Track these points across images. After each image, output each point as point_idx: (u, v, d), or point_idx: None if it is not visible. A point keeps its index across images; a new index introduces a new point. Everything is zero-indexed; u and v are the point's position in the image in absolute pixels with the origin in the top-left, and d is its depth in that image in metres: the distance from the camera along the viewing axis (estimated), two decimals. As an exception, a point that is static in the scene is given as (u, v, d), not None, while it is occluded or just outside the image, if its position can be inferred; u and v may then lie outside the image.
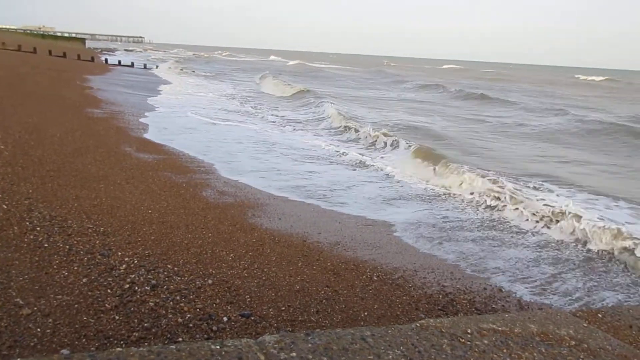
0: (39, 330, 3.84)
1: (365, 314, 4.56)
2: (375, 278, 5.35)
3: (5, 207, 6.05)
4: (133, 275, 4.79)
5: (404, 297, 5.02)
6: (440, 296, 5.15)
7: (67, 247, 5.19)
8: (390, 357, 3.00)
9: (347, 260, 5.80)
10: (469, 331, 3.41)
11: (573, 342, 2.69)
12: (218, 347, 2.84)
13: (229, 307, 4.47)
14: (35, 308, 4.09)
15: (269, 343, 2.98)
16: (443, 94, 35.15)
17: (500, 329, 2.88)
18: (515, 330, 2.82)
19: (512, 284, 5.58)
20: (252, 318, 4.34)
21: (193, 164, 9.85)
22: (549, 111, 25.21)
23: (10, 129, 10.34)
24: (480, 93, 32.77)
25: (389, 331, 3.32)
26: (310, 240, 6.35)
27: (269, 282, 4.99)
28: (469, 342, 3.29)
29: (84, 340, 3.79)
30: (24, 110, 12.66)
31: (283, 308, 4.55)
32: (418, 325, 3.62)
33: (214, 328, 4.16)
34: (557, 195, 8.94)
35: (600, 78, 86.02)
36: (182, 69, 39.51)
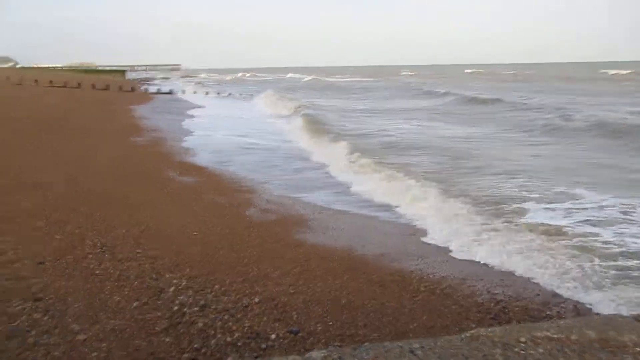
0: (94, 354, 3.94)
1: (414, 325, 4.48)
2: (422, 288, 5.26)
3: (58, 237, 6.29)
4: (181, 297, 4.87)
5: (454, 307, 4.90)
6: (492, 304, 5.00)
7: (118, 272, 5.33)
8: (441, 369, 2.93)
9: (392, 272, 5.73)
10: (522, 340, 3.29)
11: (638, 349, 2.55)
12: (266, 365, 2.83)
13: (276, 325, 4.47)
14: (90, 333, 4.21)
15: (316, 359, 2.96)
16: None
17: (555, 336, 2.76)
18: (572, 338, 2.70)
19: (568, 290, 5.36)
20: (300, 334, 4.33)
21: (234, 184, 10.00)
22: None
23: (61, 163, 10.79)
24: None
25: (438, 342, 3.24)
26: (355, 253, 6.32)
27: (316, 298, 4.97)
28: (522, 352, 3.17)
29: (137, 363, 3.86)
30: (72, 144, 13.20)
31: (330, 323, 4.52)
32: (469, 335, 3.52)
33: (263, 346, 4.17)
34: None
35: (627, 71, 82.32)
36: (217, 93, 40.39)
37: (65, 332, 4.21)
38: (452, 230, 7.10)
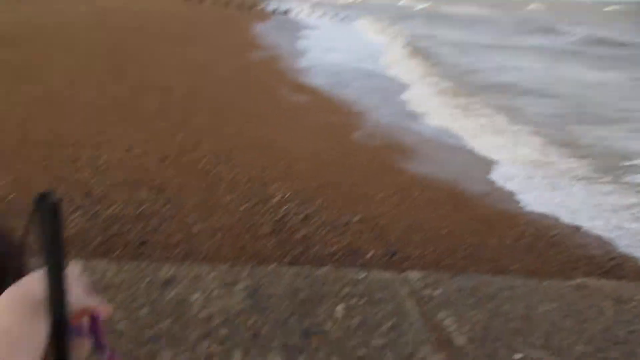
0: (206, 246, 4.29)
1: (516, 266, 4.36)
2: (528, 232, 5.06)
3: (179, 138, 6.75)
4: (286, 206, 5.10)
5: (560, 256, 4.69)
6: (605, 259, 4.72)
7: (231, 176, 5.66)
8: (543, 309, 2.86)
9: (497, 212, 5.56)
10: (637, 297, 3.10)
11: None
12: (363, 275, 2.93)
13: (375, 244, 4.56)
14: (203, 227, 4.57)
15: (414, 279, 3.01)
16: None
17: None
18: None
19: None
20: (397, 256, 4.40)
21: (343, 106, 10.01)
22: None
23: (183, 71, 11.38)
24: None
25: (543, 284, 3.15)
26: (461, 188, 6.17)
27: (416, 224, 4.98)
28: (635, 309, 3.00)
29: (243, 258, 4.16)
30: (193, 56, 13.80)
31: (428, 250, 4.54)
32: (576, 283, 3.38)
33: (359, 262, 4.29)
34: None
35: None
36: (333, 15, 39.66)
37: (182, 222, 4.61)
38: (560, 184, 6.70)
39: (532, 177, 6.95)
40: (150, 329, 2.34)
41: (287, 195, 5.34)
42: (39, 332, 0.62)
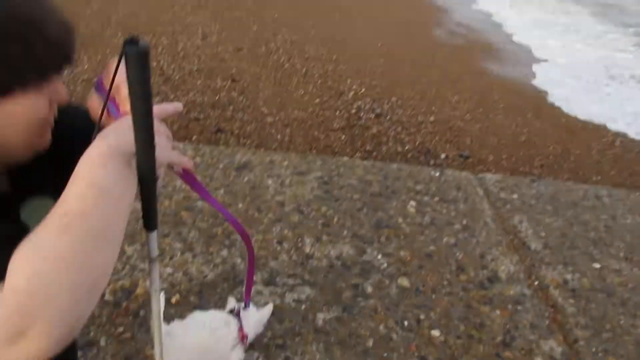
0: (279, 136, 4.32)
1: (599, 178, 4.13)
2: (617, 143, 4.74)
3: (255, 28, 6.63)
4: (360, 102, 4.99)
5: (649, 170, 4.39)
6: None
7: (304, 69, 5.56)
8: (627, 221, 2.71)
9: (584, 120, 5.20)
10: None
11: None
12: (438, 174, 2.86)
13: (447, 146, 4.43)
14: (276, 118, 4.58)
15: (490, 181, 2.91)
16: None
17: None
18: None
19: None
20: (470, 160, 4.27)
21: (425, 2, 9.41)
22: None
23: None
24: None
25: (631, 196, 2.97)
26: (543, 94, 5.79)
27: (492, 129, 4.77)
28: None
29: (314, 151, 4.17)
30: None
31: (504, 156, 4.36)
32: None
33: (431, 162, 4.20)
34: None
35: None
36: None
37: (256, 112, 4.63)
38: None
39: (622, 86, 6.39)
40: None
41: (361, 92, 5.22)
42: (133, 186, 0.61)
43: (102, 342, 1.77)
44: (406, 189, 2.73)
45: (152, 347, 1.79)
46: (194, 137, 4.07)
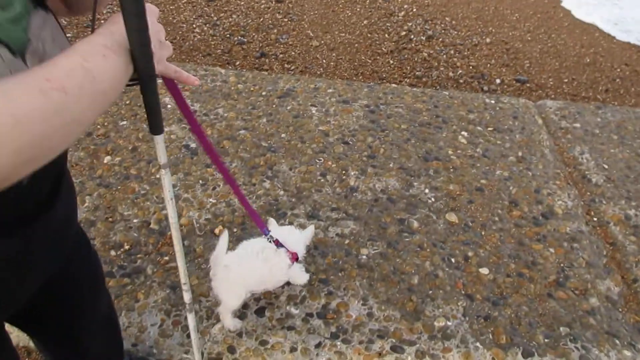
0: (324, 61, 4.15)
1: (671, 104, 3.80)
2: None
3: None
4: (410, 24, 4.70)
5: None
6: None
7: (352, -12, 5.25)
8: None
9: (659, 40, 4.73)
10: None
11: None
12: (493, 101, 2.68)
13: (504, 70, 4.15)
14: (322, 42, 4.39)
15: (550, 108, 2.70)
16: None
17: None
18: None
19: None
20: (528, 85, 3.99)
21: None
22: None
23: None
24: None
25: None
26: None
27: (555, 50, 4.42)
28: None
29: (360, 77, 4.00)
30: None
31: (566, 80, 4.06)
32: None
33: (485, 88, 3.96)
34: None
35: None
36: None
37: (301, 35, 4.44)
38: None
39: None
40: (269, 139, 2.36)
41: (412, 11, 4.90)
42: (119, 88, 0.64)
43: (149, 271, 1.79)
44: (458, 117, 2.57)
45: (197, 278, 1.81)
46: (237, 63, 3.97)
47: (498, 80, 4.04)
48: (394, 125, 2.49)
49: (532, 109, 2.69)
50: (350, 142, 2.38)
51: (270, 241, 1.54)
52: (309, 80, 2.79)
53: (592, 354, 1.68)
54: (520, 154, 2.38)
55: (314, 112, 2.53)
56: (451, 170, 2.28)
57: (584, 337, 1.72)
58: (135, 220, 1.94)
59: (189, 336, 1.63)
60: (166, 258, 1.83)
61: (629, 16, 5.19)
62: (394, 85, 2.99)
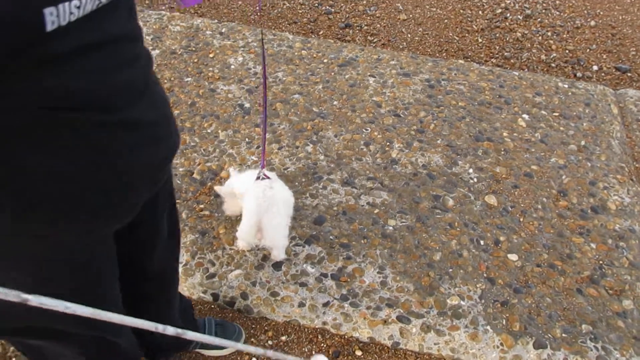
0: (409, 35, 4.08)
1: None
2: None
3: None
4: (509, 1, 4.45)
5: None
6: None
7: (453, -39, 5.06)
8: None
9: None
10: None
11: None
12: (566, 85, 2.52)
13: (604, 56, 3.83)
14: (410, 15, 4.31)
15: (632, 98, 2.49)
16: None
17: None
18: None
19: None
20: (629, 74, 3.65)
21: None
22: None
23: None
24: None
25: None
26: None
27: (670, 38, 3.98)
28: None
29: (444, 54, 3.89)
30: None
31: (676, 72, 3.66)
32: None
33: (578, 74, 3.69)
34: None
35: None
36: None
37: (390, 8, 4.39)
38: None
39: None
40: (321, 105, 2.41)
41: (512, -12, 4.63)
42: None
43: (184, 215, 1.94)
44: (522, 99, 2.45)
45: (225, 227, 1.92)
46: (321, 32, 4.02)
47: (595, 67, 3.74)
48: (451, 102, 2.43)
49: (609, 97, 2.48)
50: (402, 115, 2.36)
51: (261, 177, 1.63)
52: (373, 51, 2.79)
53: (612, 357, 1.58)
54: (583, 143, 2.23)
55: (371, 82, 2.53)
56: (502, 152, 2.20)
57: (607, 338, 1.62)
58: (180, 169, 2.09)
59: (208, 277, 1.76)
60: (201, 206, 1.97)
61: None
62: (461, 61, 2.89)
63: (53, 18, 0.55)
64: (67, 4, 0.57)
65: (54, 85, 0.61)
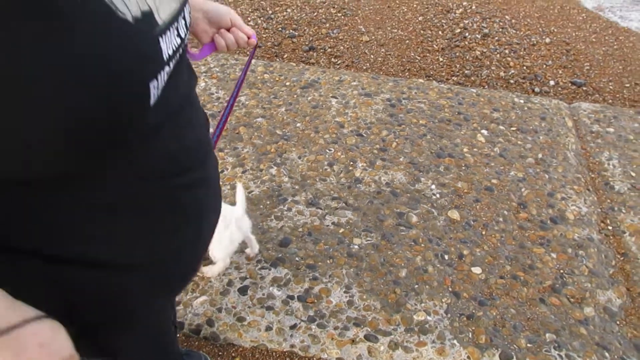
0: (372, 56, 4.16)
1: None
2: None
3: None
4: (467, 21, 4.59)
5: None
6: None
7: (412, -16, 5.20)
8: None
9: None
10: None
11: None
12: (522, 101, 2.59)
13: (560, 72, 3.96)
14: (373, 37, 4.39)
15: (584, 111, 2.57)
16: None
17: None
18: None
19: None
20: (585, 88, 3.78)
21: None
22: None
23: None
24: None
25: None
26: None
27: (620, 53, 4.15)
28: None
29: (406, 73, 3.97)
30: None
31: (627, 85, 3.80)
32: None
33: (537, 90, 3.80)
34: None
35: None
36: None
37: (352, 30, 4.48)
38: None
39: None
40: (284, 127, 2.42)
41: (471, 8, 4.78)
42: None
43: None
44: (480, 116, 2.51)
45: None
46: (285, 56, 4.07)
47: (552, 82, 3.86)
48: (412, 120, 2.48)
49: (563, 110, 2.57)
50: (364, 135, 2.39)
51: None
52: (334, 73, 2.83)
53: (576, 365, 1.60)
54: (540, 155, 2.29)
55: (333, 103, 2.57)
56: (463, 167, 2.24)
57: (570, 346, 1.64)
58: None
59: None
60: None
61: None
62: (420, 80, 2.95)
63: (155, 90, 0.56)
64: (162, 72, 0.57)
65: (151, 154, 0.62)
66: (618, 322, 1.72)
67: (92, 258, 0.63)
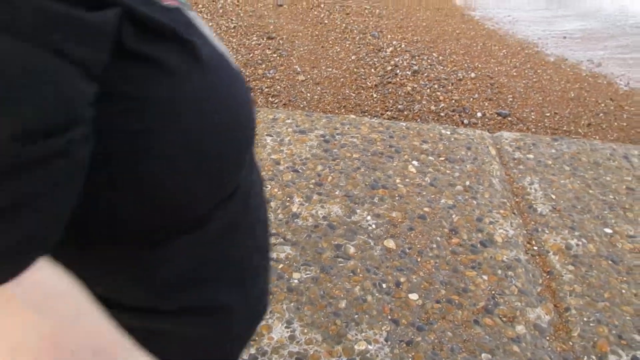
0: (308, 95, 4.27)
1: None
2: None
3: (299, -16, 6.49)
4: (397, 59, 4.80)
5: None
6: None
7: (344, 25, 5.41)
8: (656, 183, 2.46)
9: (647, 75, 4.73)
10: None
11: None
12: (449, 132, 2.72)
13: (486, 104, 4.20)
14: (308, 76, 4.52)
15: (506, 139, 2.73)
16: None
17: None
18: None
19: None
20: (509, 119, 4.02)
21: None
22: None
23: None
24: None
25: (666, 156, 2.68)
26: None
27: (539, 85, 4.45)
28: None
29: (342, 110, 4.09)
30: None
31: (548, 114, 4.07)
32: None
33: (465, 121, 4.00)
34: None
35: None
36: None
37: (288, 70, 4.59)
38: None
39: None
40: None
41: (400, 47, 5.02)
42: None
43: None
44: (411, 147, 2.62)
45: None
46: (222, 96, 4.10)
47: (479, 114, 4.08)
48: (346, 155, 2.55)
49: (487, 139, 2.72)
50: (300, 170, 2.44)
51: None
52: (268, 111, 2.88)
53: (511, 382, 1.66)
54: (468, 183, 2.41)
55: (268, 141, 2.61)
56: (396, 198, 2.32)
57: (504, 365, 1.71)
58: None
59: None
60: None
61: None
62: (352, 116, 3.06)
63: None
64: None
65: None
66: (548, 338, 1.80)
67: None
